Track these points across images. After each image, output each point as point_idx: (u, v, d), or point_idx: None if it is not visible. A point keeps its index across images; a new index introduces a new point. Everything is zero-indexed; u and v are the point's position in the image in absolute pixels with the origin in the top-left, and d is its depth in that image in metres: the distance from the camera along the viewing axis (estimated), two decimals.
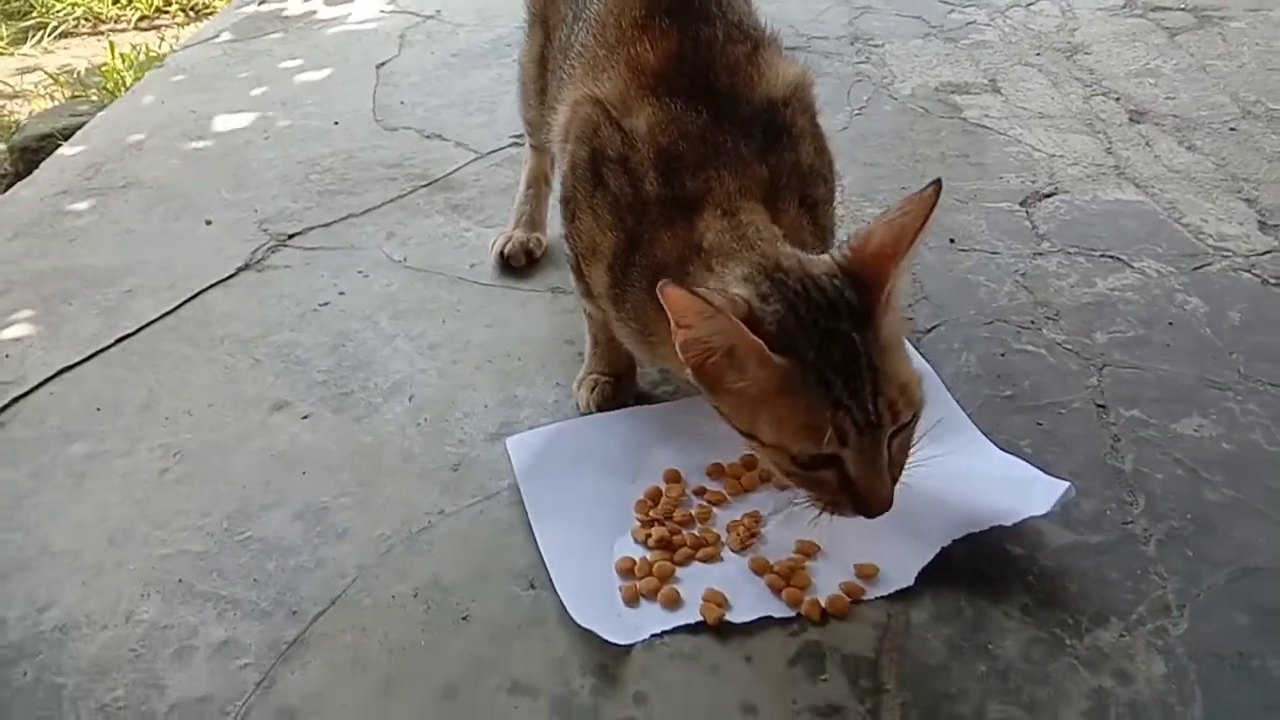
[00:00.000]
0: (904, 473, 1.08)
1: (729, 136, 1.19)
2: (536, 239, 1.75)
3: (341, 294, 1.70)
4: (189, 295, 1.71)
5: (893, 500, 1.05)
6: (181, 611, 1.17)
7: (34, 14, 3.75)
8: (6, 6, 3.76)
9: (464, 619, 1.13)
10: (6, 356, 1.60)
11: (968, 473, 1.23)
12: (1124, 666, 1.05)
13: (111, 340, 1.62)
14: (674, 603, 1.13)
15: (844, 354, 1.00)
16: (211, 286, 1.73)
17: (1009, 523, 1.15)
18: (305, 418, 1.44)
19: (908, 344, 1.45)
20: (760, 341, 0.99)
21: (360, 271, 1.75)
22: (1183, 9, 2.68)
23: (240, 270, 1.77)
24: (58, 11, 3.72)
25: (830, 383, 1.00)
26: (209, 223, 1.92)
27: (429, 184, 2.01)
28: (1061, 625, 1.10)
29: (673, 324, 1.03)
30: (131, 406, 1.48)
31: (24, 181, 2.19)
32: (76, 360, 1.58)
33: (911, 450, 1.09)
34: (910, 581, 1.13)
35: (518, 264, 1.73)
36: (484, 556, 1.21)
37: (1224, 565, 1.16)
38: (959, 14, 2.72)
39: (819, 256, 1.08)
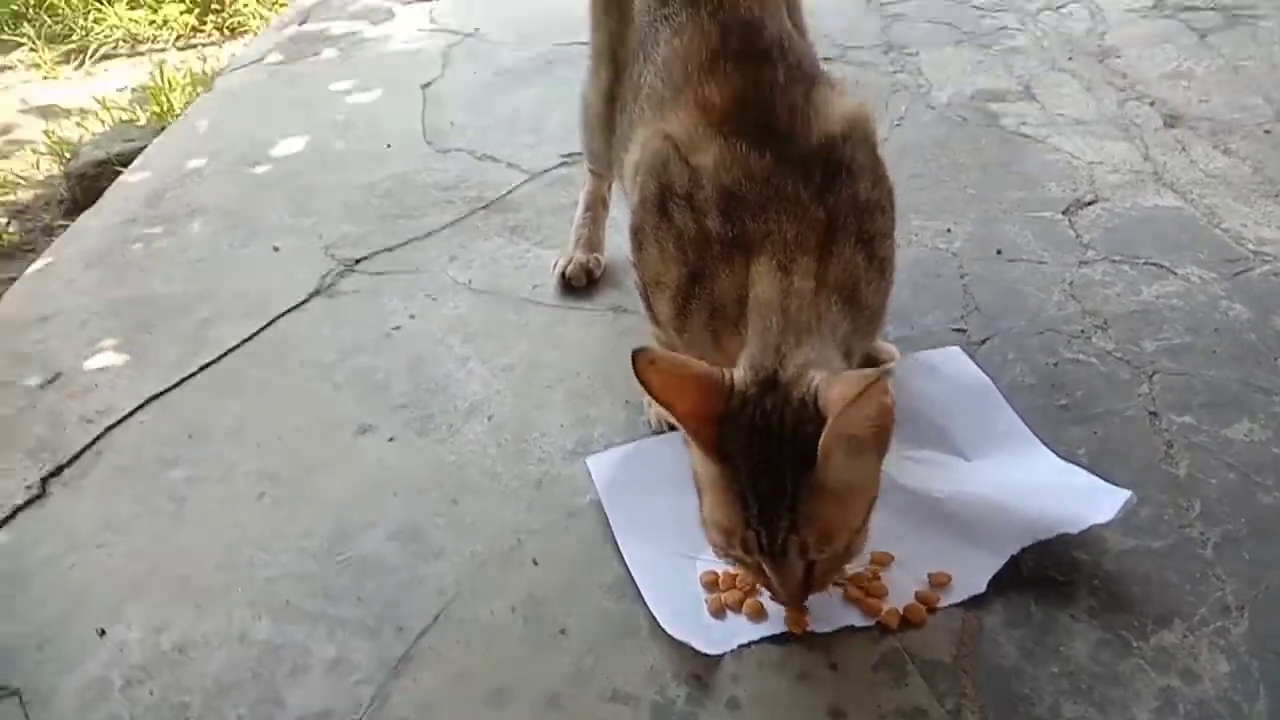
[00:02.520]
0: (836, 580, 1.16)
1: (789, 179, 1.24)
2: (596, 259, 1.81)
3: (412, 318, 1.76)
4: (265, 322, 1.78)
5: (802, 599, 1.13)
6: (292, 631, 1.24)
7: (74, 37, 3.83)
8: (48, 30, 3.85)
9: (561, 632, 1.20)
10: (96, 386, 1.67)
11: (1033, 483, 1.29)
12: (1189, 665, 1.11)
13: (196, 368, 1.69)
14: (759, 614, 1.19)
15: (770, 487, 1.06)
16: (286, 313, 1.80)
17: (1075, 530, 1.20)
18: (391, 440, 1.51)
19: (963, 354, 1.51)
20: (709, 441, 1.07)
21: (428, 295, 1.82)
22: (1212, 8, 2.70)
23: (312, 296, 1.84)
24: (98, 34, 3.81)
25: (748, 504, 1.07)
26: (276, 249, 1.99)
27: (485, 206, 2.07)
28: (1127, 627, 1.16)
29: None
30: (221, 432, 1.56)
31: (90, 211, 2.26)
32: (163, 388, 1.65)
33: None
34: (982, 588, 1.19)
35: (579, 284, 1.79)
36: (574, 571, 1.28)
37: None
38: (990, 19, 2.75)
39: (814, 379, 1.09)
